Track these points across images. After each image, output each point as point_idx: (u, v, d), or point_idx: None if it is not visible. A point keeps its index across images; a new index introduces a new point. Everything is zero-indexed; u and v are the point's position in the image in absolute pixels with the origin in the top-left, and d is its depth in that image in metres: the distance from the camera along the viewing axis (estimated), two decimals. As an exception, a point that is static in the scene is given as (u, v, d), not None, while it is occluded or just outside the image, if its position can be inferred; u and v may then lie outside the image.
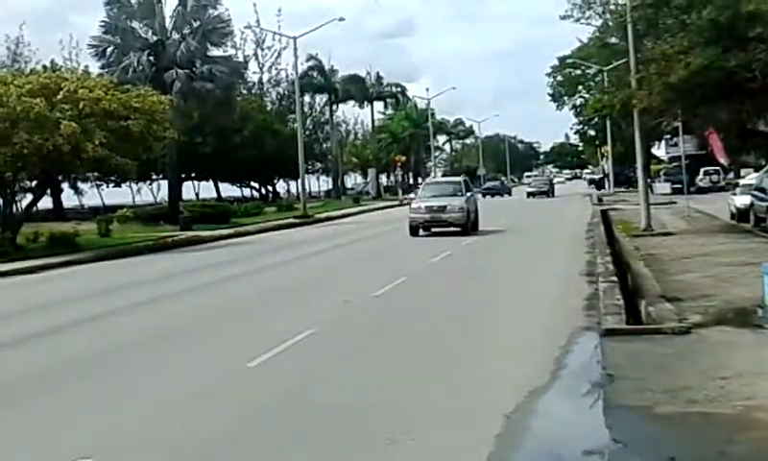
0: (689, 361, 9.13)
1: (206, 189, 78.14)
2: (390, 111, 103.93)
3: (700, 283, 14.44)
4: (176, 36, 51.55)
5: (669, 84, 22.75)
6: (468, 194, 31.89)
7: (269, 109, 78.08)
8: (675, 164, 56.30)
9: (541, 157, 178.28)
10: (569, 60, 64.05)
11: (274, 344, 11.13)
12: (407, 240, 29.59)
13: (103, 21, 50.52)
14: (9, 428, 8.23)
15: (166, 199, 53.84)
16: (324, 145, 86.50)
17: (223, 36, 53.40)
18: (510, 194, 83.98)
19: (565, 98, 67.35)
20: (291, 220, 48.22)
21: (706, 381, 8.22)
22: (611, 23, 31.46)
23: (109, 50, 50.00)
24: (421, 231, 30.32)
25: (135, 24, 51.27)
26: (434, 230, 30.41)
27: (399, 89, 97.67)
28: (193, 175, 71.09)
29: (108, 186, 64.78)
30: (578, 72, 64.35)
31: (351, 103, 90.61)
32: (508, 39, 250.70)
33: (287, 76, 78.66)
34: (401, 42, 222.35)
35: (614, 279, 15.61)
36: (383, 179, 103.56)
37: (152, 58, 49.79)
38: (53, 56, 57.46)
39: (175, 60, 49.63)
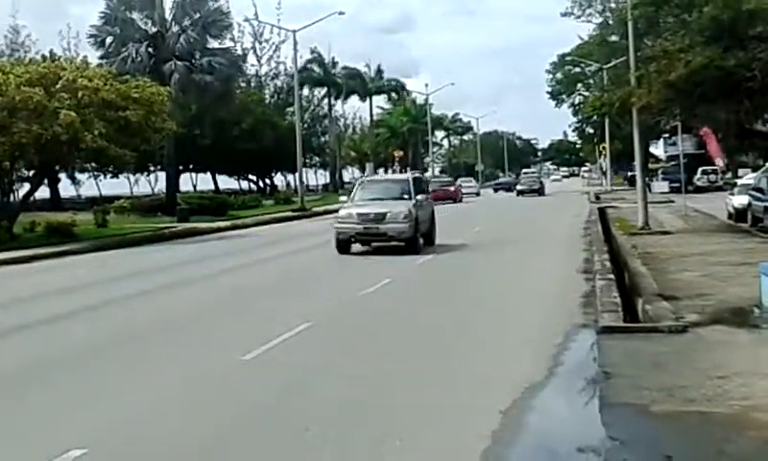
0: (686, 360, 9.12)
1: (204, 181, 78.18)
2: (389, 106, 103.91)
3: (697, 282, 14.42)
4: (175, 27, 51.54)
5: (668, 83, 22.71)
6: (420, 197, 23.98)
7: (267, 102, 78.03)
8: (673, 163, 56.34)
9: (540, 153, 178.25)
10: (569, 58, 64.01)
11: (269, 337, 11.11)
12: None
13: (102, 12, 50.60)
14: (4, 418, 8.20)
15: (164, 190, 53.88)
16: (323, 139, 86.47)
17: (222, 29, 53.49)
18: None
19: (564, 96, 67.30)
20: (288, 213, 48.25)
21: (703, 380, 8.21)
22: (611, 22, 31.45)
23: (109, 40, 50.03)
24: (357, 246, 23.27)
25: (135, 15, 51.33)
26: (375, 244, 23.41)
27: (398, 84, 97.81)
28: (191, 167, 71.17)
29: (105, 177, 64.78)
30: (577, 70, 64.34)
31: (353, 97, 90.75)
32: (507, 36, 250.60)
33: (285, 69, 78.70)
34: (401, 37, 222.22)
35: (611, 276, 15.62)
36: (381, 173, 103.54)
37: (151, 49, 49.79)
38: (51, 46, 57.49)
39: (174, 51, 49.63)
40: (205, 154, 64.53)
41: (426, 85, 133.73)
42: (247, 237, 33.15)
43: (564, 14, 31.00)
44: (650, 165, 53.92)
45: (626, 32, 26.96)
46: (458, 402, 8.20)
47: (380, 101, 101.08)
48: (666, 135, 44.63)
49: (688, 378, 8.31)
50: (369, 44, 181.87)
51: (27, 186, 35.01)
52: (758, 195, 25.35)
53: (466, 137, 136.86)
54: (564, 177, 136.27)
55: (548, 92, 69.19)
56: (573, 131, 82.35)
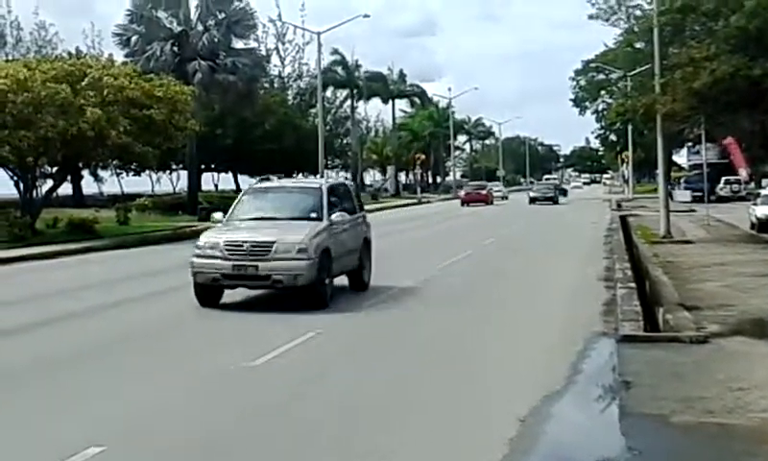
0: (706, 371, 9.05)
1: (226, 181, 78.19)
2: (411, 110, 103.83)
3: (719, 293, 14.34)
4: (200, 27, 51.69)
5: (693, 90, 22.60)
6: (337, 217, 15.32)
7: (290, 103, 78.14)
8: (696, 172, 55.94)
9: (561, 160, 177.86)
10: (593, 64, 63.67)
11: (278, 343, 11.01)
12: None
13: (128, 10, 50.81)
14: (21, 414, 8.24)
15: (185, 189, 54.03)
16: (344, 141, 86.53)
17: (247, 29, 53.50)
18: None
19: (588, 103, 66.94)
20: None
21: (723, 392, 8.14)
22: (636, 29, 31.24)
23: (134, 39, 50.20)
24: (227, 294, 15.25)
25: (161, 14, 51.45)
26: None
27: (420, 91, 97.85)
28: (213, 166, 71.27)
29: (127, 175, 64.92)
30: (601, 76, 63.99)
31: (375, 100, 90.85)
32: (531, 42, 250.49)
33: (308, 70, 78.76)
34: (424, 41, 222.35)
35: (632, 285, 15.54)
36: (402, 177, 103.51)
37: (175, 48, 49.96)
38: (77, 43, 57.81)
39: (198, 50, 49.74)
40: (227, 153, 64.66)
41: (449, 89, 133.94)
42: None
43: (592, 17, 30.78)
44: (672, 173, 53.64)
45: (651, 39, 26.80)
46: (475, 410, 8.17)
47: (402, 104, 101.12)
48: (690, 144, 44.38)
49: (708, 389, 8.25)
50: (392, 47, 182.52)
51: (50, 182, 35.21)
52: (782, 206, 25.16)
53: (488, 142, 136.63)
54: (585, 183, 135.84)
55: (571, 99, 68.81)
56: (596, 137, 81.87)
